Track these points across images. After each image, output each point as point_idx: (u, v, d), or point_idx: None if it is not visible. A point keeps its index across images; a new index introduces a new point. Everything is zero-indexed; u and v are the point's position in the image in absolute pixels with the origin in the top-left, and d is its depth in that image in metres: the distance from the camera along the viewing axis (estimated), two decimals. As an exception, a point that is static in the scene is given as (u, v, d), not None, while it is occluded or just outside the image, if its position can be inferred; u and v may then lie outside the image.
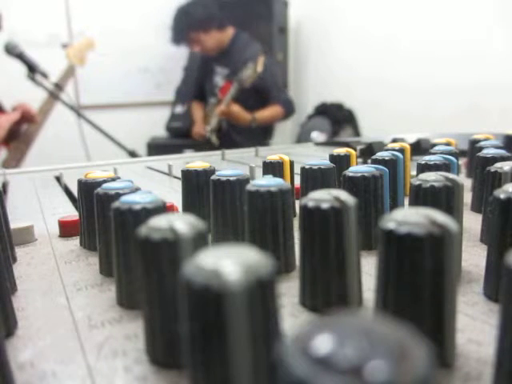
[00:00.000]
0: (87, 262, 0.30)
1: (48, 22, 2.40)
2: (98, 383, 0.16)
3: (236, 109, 1.77)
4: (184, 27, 1.88)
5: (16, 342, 0.19)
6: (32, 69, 1.39)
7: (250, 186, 0.25)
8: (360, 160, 0.65)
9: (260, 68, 1.67)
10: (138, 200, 0.21)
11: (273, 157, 0.40)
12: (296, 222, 0.23)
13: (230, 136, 1.87)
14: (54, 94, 1.41)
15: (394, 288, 0.16)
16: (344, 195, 0.20)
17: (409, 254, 0.16)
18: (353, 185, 0.28)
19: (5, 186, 0.62)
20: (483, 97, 1.76)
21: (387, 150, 0.42)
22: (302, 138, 2.29)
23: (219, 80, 1.94)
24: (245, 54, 1.83)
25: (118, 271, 0.22)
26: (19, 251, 0.32)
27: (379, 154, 0.37)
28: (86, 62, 1.57)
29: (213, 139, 1.81)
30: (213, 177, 0.30)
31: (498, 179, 0.31)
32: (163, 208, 0.22)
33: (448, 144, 0.50)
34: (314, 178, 0.35)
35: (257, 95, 1.85)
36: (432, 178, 0.24)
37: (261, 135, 1.96)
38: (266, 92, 1.86)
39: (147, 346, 0.18)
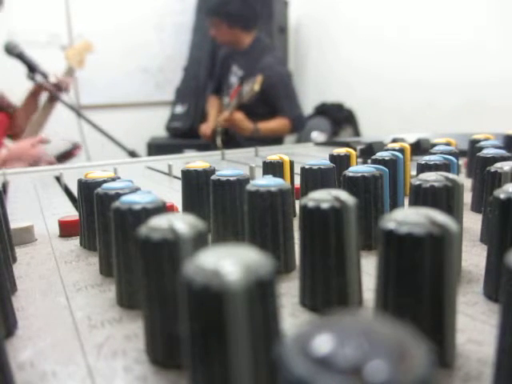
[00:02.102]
0: (87, 261, 0.30)
1: (48, 22, 2.41)
2: (98, 383, 0.16)
3: (238, 117, 1.73)
4: (214, 10, 1.85)
5: (16, 342, 0.19)
6: (32, 69, 1.39)
7: (250, 186, 0.25)
8: (360, 160, 0.65)
9: (257, 87, 1.63)
10: (137, 200, 0.21)
11: (273, 157, 0.40)
12: (296, 222, 0.23)
13: (237, 141, 1.84)
14: (54, 94, 1.41)
15: (393, 288, 0.16)
16: (344, 195, 0.20)
17: (409, 254, 0.16)
18: (353, 185, 0.28)
19: (5, 185, 0.62)
20: (484, 94, 1.76)
21: (387, 149, 0.42)
22: (302, 138, 2.29)
23: (234, 80, 1.92)
24: (262, 60, 1.80)
25: (118, 271, 0.22)
26: (19, 251, 0.32)
27: (379, 154, 0.37)
28: (84, 64, 1.57)
29: (217, 141, 1.80)
30: (213, 177, 0.30)
31: (498, 179, 0.30)
32: (163, 208, 0.22)
33: (448, 144, 0.50)
34: (314, 178, 0.35)
35: (267, 104, 1.80)
36: (432, 178, 0.24)
37: (269, 142, 1.91)
38: (276, 103, 1.81)
39: (147, 345, 0.18)
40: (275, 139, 1.94)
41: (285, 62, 2.67)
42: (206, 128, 1.90)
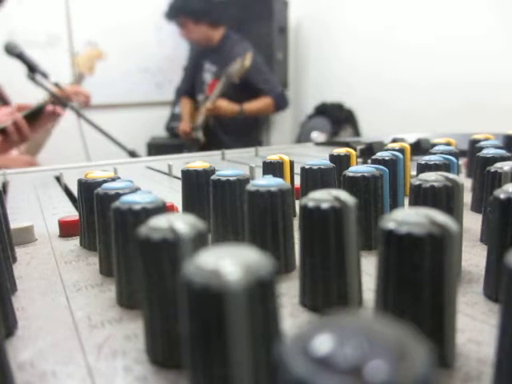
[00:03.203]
0: (87, 261, 0.30)
1: (48, 22, 2.40)
2: (98, 383, 0.16)
3: (223, 103, 1.81)
4: (178, 9, 1.93)
5: (16, 342, 0.19)
6: (32, 69, 1.39)
7: (250, 186, 0.25)
8: (360, 160, 0.65)
9: (248, 63, 1.72)
10: (138, 200, 0.21)
11: (273, 157, 0.40)
12: (296, 222, 0.23)
13: (217, 135, 1.91)
14: (54, 94, 1.41)
15: (394, 288, 0.16)
16: (344, 195, 0.20)
17: (409, 253, 0.16)
18: (353, 185, 0.28)
19: (5, 185, 0.62)
20: (484, 95, 1.76)
21: (387, 149, 0.42)
22: (302, 138, 2.29)
23: (208, 77, 1.99)
24: (233, 52, 1.88)
25: (118, 271, 0.22)
26: (19, 251, 0.32)
27: (379, 154, 0.37)
28: (94, 70, 1.58)
29: (199, 136, 1.84)
30: (213, 177, 0.30)
31: (498, 179, 0.30)
32: (163, 208, 0.22)
33: (448, 144, 0.50)
34: (314, 178, 0.35)
35: (244, 90, 1.89)
36: (432, 178, 0.24)
37: (248, 135, 2.01)
38: (253, 87, 1.90)
39: (147, 345, 0.18)
40: (251, 128, 2.01)
41: (285, 62, 2.67)
42: (184, 126, 1.95)
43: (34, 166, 1.02)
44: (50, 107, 1.18)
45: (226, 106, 1.82)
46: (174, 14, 1.94)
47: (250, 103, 1.89)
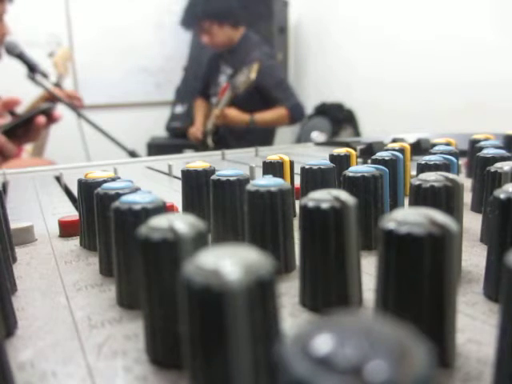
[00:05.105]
0: (87, 262, 0.30)
1: (48, 22, 2.41)
2: (98, 383, 0.16)
3: (231, 112, 1.72)
4: (199, 13, 1.81)
5: (16, 342, 0.19)
6: (32, 69, 1.39)
7: (250, 186, 0.25)
8: (360, 160, 0.65)
9: (253, 75, 1.60)
10: (138, 200, 0.21)
11: (273, 157, 0.40)
12: (296, 222, 0.23)
13: (227, 141, 1.83)
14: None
15: (393, 288, 0.16)
16: (344, 195, 0.20)
17: (409, 254, 0.16)
18: (353, 185, 0.28)
19: (5, 185, 0.62)
20: (484, 95, 1.76)
21: (387, 149, 0.42)
22: (302, 138, 2.29)
23: (224, 79, 1.91)
24: (249, 56, 1.78)
25: (118, 271, 0.22)
26: (19, 251, 0.32)
27: (379, 154, 0.37)
28: (68, 71, 1.56)
29: (208, 142, 1.79)
30: (213, 177, 0.30)
31: (498, 179, 0.30)
32: (163, 208, 0.22)
33: (448, 144, 0.50)
34: (314, 178, 0.35)
35: (259, 96, 1.79)
36: (432, 178, 0.24)
37: (259, 140, 1.92)
38: (267, 94, 1.80)
39: (147, 345, 0.18)
40: (266, 137, 1.93)
41: (285, 62, 2.67)
42: (195, 131, 1.87)
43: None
44: (40, 119, 0.93)
45: (234, 115, 1.71)
46: (195, 19, 1.82)
47: (262, 113, 1.75)
